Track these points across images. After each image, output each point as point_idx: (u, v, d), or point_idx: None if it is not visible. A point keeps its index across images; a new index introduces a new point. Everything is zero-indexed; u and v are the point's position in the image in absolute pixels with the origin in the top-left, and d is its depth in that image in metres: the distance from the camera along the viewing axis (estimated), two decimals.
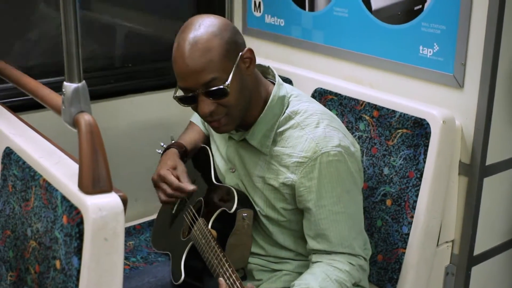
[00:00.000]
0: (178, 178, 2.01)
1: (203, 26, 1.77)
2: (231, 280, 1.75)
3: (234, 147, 2.00)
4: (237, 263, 1.90)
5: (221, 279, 1.76)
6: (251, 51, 1.85)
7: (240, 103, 1.82)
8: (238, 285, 1.73)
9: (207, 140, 2.29)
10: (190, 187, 1.98)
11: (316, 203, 1.84)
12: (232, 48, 1.79)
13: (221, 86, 1.76)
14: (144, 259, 2.42)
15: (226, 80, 1.76)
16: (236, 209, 1.91)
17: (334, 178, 1.83)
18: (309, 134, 1.85)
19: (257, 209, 1.97)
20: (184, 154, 2.17)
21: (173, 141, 2.22)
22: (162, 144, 2.29)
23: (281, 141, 1.90)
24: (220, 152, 2.09)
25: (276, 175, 1.90)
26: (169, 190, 1.99)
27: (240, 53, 1.81)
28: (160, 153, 2.22)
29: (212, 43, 1.75)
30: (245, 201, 1.97)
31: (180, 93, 1.85)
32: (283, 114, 1.91)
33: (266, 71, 2.01)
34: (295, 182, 1.86)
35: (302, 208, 1.90)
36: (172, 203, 2.13)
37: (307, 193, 1.85)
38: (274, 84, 1.95)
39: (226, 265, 1.79)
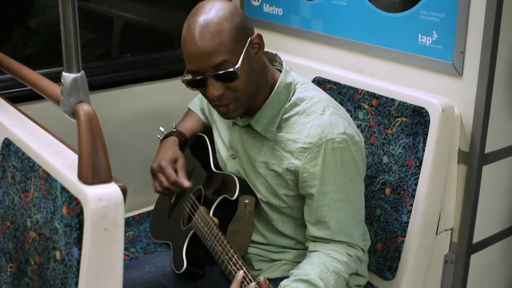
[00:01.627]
0: (176, 172, 2.02)
1: (214, 10, 1.78)
2: (237, 265, 1.77)
3: (238, 133, 2.00)
4: (238, 251, 1.91)
5: (241, 272, 1.76)
6: (260, 36, 1.85)
7: (248, 87, 1.83)
8: (245, 270, 1.74)
9: (205, 128, 2.29)
10: (186, 183, 1.99)
11: (319, 189, 1.85)
12: (242, 32, 1.80)
13: (231, 69, 1.77)
14: (144, 249, 2.42)
15: (236, 64, 1.77)
16: (238, 195, 1.92)
17: (338, 165, 1.84)
18: (314, 121, 1.85)
19: (259, 195, 1.98)
20: (184, 143, 2.18)
21: (174, 129, 2.21)
22: (162, 129, 2.28)
23: (286, 127, 1.91)
24: (222, 139, 2.09)
25: (280, 161, 1.91)
26: (165, 183, 2.01)
27: (250, 38, 1.82)
28: (159, 138, 2.22)
29: (223, 26, 1.76)
30: (246, 188, 1.98)
31: (188, 77, 1.85)
32: (289, 100, 1.92)
33: (273, 59, 2.02)
34: (299, 168, 1.86)
35: (304, 194, 1.91)
36: (166, 195, 2.13)
37: (311, 179, 1.85)
38: (280, 71, 1.96)
39: (232, 251, 1.81)
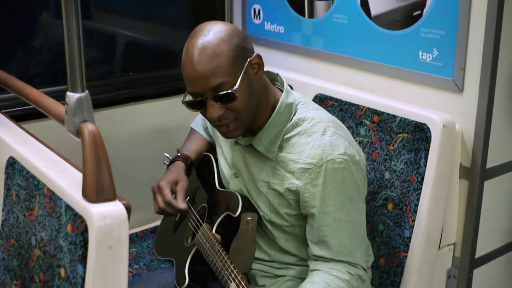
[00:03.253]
0: (175, 194, 2.03)
1: (212, 32, 1.80)
2: (236, 281, 1.77)
3: (240, 152, 2.02)
4: (241, 268, 1.91)
5: (232, 284, 1.77)
6: (259, 57, 1.87)
7: (248, 107, 1.84)
8: (244, 286, 1.74)
9: (210, 147, 2.31)
10: (181, 205, 2.00)
11: (320, 209, 1.85)
12: (240, 54, 1.81)
13: (230, 91, 1.78)
14: (147, 266, 2.42)
15: (235, 85, 1.79)
16: (241, 212, 1.93)
17: (338, 186, 1.84)
18: (315, 141, 1.86)
19: (261, 214, 1.98)
20: (190, 166, 2.19)
21: (178, 154, 2.22)
22: (167, 155, 2.30)
23: (287, 147, 1.92)
24: (225, 157, 2.10)
25: (281, 181, 1.91)
26: (161, 204, 2.02)
27: (249, 59, 1.84)
28: (166, 164, 2.23)
29: (221, 48, 1.78)
30: (249, 205, 1.98)
31: (189, 98, 1.88)
32: (290, 120, 1.93)
33: (274, 78, 2.03)
34: (299, 188, 1.87)
35: (305, 214, 1.91)
36: (166, 215, 2.13)
37: (311, 199, 1.86)
38: (282, 91, 1.97)
39: (231, 266, 1.81)
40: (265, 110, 1.92)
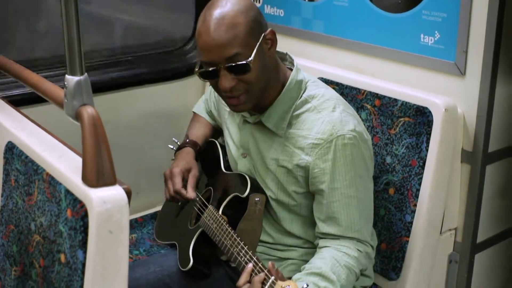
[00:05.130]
0: (187, 181, 2.06)
1: (230, 3, 1.82)
2: (247, 256, 1.78)
3: (249, 130, 2.02)
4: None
5: (250, 264, 1.76)
6: (273, 32, 1.89)
7: (260, 81, 1.85)
8: (256, 260, 1.75)
9: (214, 131, 2.32)
10: (190, 194, 2.03)
11: (329, 185, 1.86)
12: (256, 27, 1.83)
13: (244, 62, 1.80)
14: (147, 251, 2.42)
15: (249, 56, 1.80)
16: (249, 193, 1.94)
17: (348, 161, 1.86)
18: (325, 117, 1.88)
19: (268, 193, 1.99)
20: (199, 152, 2.21)
21: (187, 140, 2.22)
22: (175, 140, 2.29)
23: (296, 124, 1.93)
24: (232, 139, 2.11)
25: (290, 157, 1.92)
26: (171, 191, 2.05)
27: (263, 34, 1.85)
28: (173, 148, 2.23)
29: (238, 19, 1.79)
30: (257, 187, 1.99)
31: (201, 69, 1.87)
32: (300, 97, 1.94)
33: (283, 58, 2.04)
34: (309, 164, 1.88)
35: (314, 191, 1.92)
36: (175, 202, 2.14)
37: (321, 174, 1.87)
38: (291, 70, 1.98)
39: (241, 243, 1.82)
40: (275, 87, 1.93)
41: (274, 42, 1.90)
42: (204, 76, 1.87)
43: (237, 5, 1.82)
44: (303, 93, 1.95)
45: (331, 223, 1.89)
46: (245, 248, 1.80)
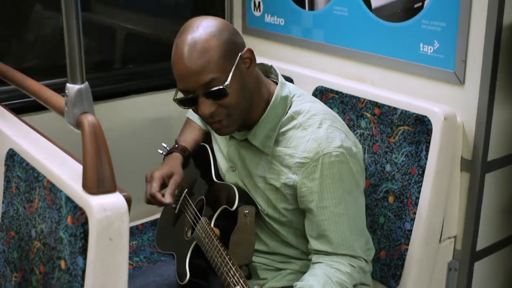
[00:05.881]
0: (165, 186, 2.04)
1: (201, 28, 1.77)
2: (235, 278, 1.76)
3: (236, 147, 2.00)
4: (241, 260, 1.90)
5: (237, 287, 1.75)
6: (250, 51, 1.84)
7: (240, 103, 1.81)
8: (242, 283, 1.73)
9: (206, 136, 2.30)
10: (166, 200, 1.99)
11: (318, 204, 1.84)
12: (231, 49, 1.79)
13: (221, 87, 1.75)
14: (147, 258, 2.42)
15: (225, 81, 1.75)
16: (238, 206, 1.91)
17: (336, 179, 1.83)
18: (311, 135, 1.85)
19: (259, 208, 1.97)
20: (188, 157, 2.19)
21: (176, 145, 2.21)
22: (164, 145, 2.29)
23: (283, 141, 1.90)
24: (221, 151, 2.09)
25: (278, 175, 1.90)
26: (147, 194, 2.03)
27: (240, 53, 1.81)
28: (162, 153, 2.23)
29: (210, 43, 1.75)
30: (246, 198, 1.97)
31: (180, 95, 1.85)
32: (286, 114, 1.91)
33: (268, 70, 2.01)
34: (296, 183, 1.86)
35: (303, 209, 1.90)
36: (152, 205, 2.13)
37: (309, 194, 1.85)
38: (276, 83, 1.95)
39: (230, 263, 1.80)
40: (259, 104, 1.89)
41: (252, 60, 1.84)
42: (183, 103, 1.84)
43: (209, 28, 1.77)
44: (288, 109, 1.91)
45: (323, 240, 1.87)
46: (233, 268, 1.78)
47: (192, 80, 1.76)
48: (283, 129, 1.90)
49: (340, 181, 1.84)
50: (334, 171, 1.82)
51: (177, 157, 2.15)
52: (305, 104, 1.93)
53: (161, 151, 2.26)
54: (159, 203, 2.01)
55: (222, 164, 2.08)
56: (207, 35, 1.76)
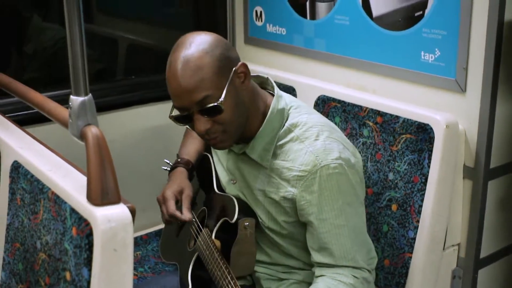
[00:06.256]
0: (180, 202, 2.03)
1: (194, 45, 1.77)
2: None
3: (234, 160, 2.00)
4: (244, 271, 1.91)
5: None
6: (245, 65, 1.83)
7: (236, 119, 1.81)
8: None
9: (208, 146, 2.29)
10: (185, 216, 1.97)
11: (318, 216, 1.84)
12: (224, 65, 1.78)
13: (215, 104, 1.75)
14: (152, 269, 2.43)
15: (220, 97, 1.75)
16: (238, 218, 1.91)
17: (334, 191, 1.83)
18: (308, 147, 1.84)
19: (259, 221, 1.97)
20: (192, 170, 2.18)
21: (179, 159, 2.22)
22: (167, 161, 2.29)
23: (281, 154, 1.89)
24: (221, 163, 2.09)
25: (277, 189, 1.90)
26: (166, 216, 2.02)
27: (234, 68, 1.80)
28: (166, 169, 2.23)
29: (203, 61, 1.74)
30: (247, 210, 1.97)
31: (176, 112, 1.85)
32: (283, 127, 1.90)
33: (265, 82, 2.00)
34: (295, 196, 1.86)
35: (304, 221, 1.90)
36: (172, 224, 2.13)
37: (308, 206, 1.84)
38: (273, 95, 1.94)
39: (229, 277, 1.79)
40: (256, 118, 1.89)
41: (247, 74, 1.83)
42: (179, 120, 1.84)
43: (202, 45, 1.76)
44: (285, 122, 1.91)
45: (324, 253, 1.87)
46: (232, 282, 1.77)
47: (186, 98, 1.76)
48: (280, 142, 1.90)
49: (339, 193, 1.83)
50: (333, 183, 1.82)
51: (182, 172, 2.14)
52: (302, 116, 1.92)
53: (165, 168, 2.26)
54: (180, 221, 2.00)
55: (223, 176, 2.08)
56: (200, 52, 1.75)
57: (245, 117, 1.85)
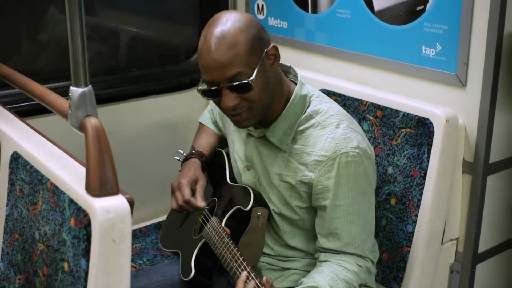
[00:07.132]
0: (194, 192, 2.04)
1: (230, 21, 1.80)
2: (246, 272, 1.78)
3: (253, 144, 2.02)
4: (248, 262, 1.91)
5: (244, 272, 1.77)
6: (276, 48, 1.88)
7: (263, 98, 1.84)
8: (253, 276, 1.76)
9: (221, 141, 2.32)
10: (200, 203, 2.00)
11: (332, 202, 1.86)
12: (258, 44, 1.82)
13: (246, 81, 1.78)
14: (151, 261, 2.43)
15: (251, 75, 1.78)
16: (252, 207, 1.94)
17: (351, 179, 1.86)
18: (329, 134, 1.87)
19: (272, 207, 1.99)
20: (205, 162, 2.20)
21: (193, 151, 2.23)
22: (181, 151, 2.29)
23: (301, 139, 1.92)
24: (236, 150, 2.11)
25: (294, 173, 1.92)
26: (180, 201, 2.03)
27: (265, 50, 1.84)
28: (179, 160, 2.23)
29: (239, 38, 1.78)
30: (260, 200, 2.00)
31: (204, 86, 1.86)
32: (304, 112, 1.94)
33: (287, 71, 2.04)
34: (312, 180, 1.88)
35: (316, 206, 1.92)
36: (182, 212, 2.14)
37: (324, 191, 1.87)
38: (295, 83, 1.98)
39: (241, 258, 1.82)
40: (279, 102, 1.92)
41: (277, 57, 1.88)
42: (206, 94, 1.86)
43: (238, 22, 1.80)
44: (307, 108, 1.94)
45: (332, 238, 1.89)
46: (244, 263, 1.80)
47: (218, 73, 1.78)
48: (301, 127, 1.93)
49: (355, 181, 1.86)
50: (350, 171, 1.85)
51: (196, 162, 2.16)
52: (324, 104, 1.96)
53: (178, 158, 2.27)
54: (194, 208, 2.01)
55: (238, 163, 2.10)
56: (236, 29, 1.79)
57: (271, 98, 1.89)
